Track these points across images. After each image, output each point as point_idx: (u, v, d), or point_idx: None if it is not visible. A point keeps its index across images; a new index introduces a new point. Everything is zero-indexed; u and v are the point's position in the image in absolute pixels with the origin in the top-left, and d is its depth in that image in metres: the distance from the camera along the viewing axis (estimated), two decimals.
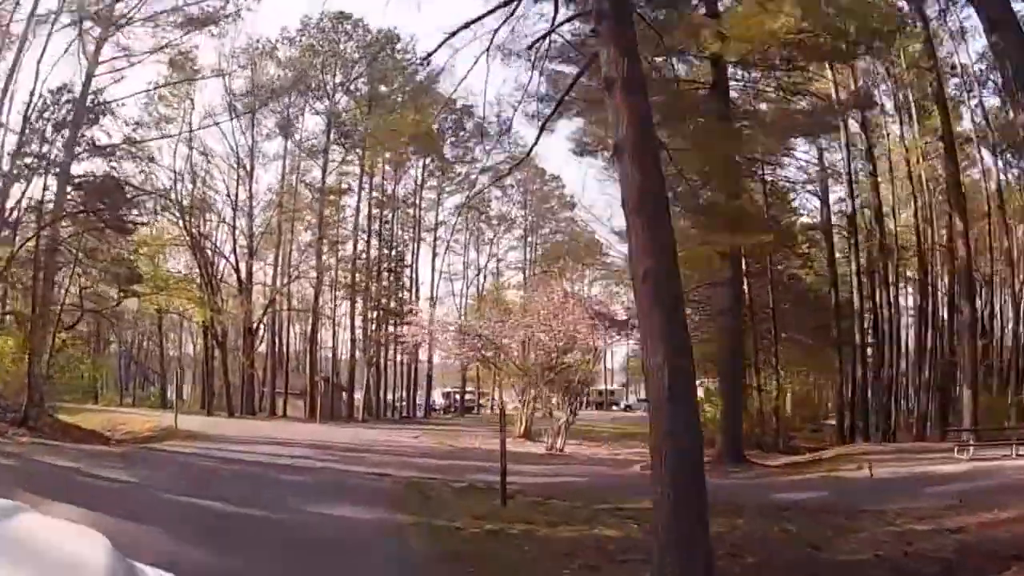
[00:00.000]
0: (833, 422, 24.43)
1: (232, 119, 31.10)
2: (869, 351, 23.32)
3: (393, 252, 39.91)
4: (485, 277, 51.52)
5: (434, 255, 44.25)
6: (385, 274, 39.75)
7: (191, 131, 32.38)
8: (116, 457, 13.98)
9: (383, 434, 24.94)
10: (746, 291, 22.05)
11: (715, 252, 17.32)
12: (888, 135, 24.61)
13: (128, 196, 23.91)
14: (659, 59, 16.53)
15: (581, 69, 10.62)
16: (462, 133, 48.64)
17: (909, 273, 24.86)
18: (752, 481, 14.90)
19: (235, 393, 38.43)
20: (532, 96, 15.37)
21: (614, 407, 67.19)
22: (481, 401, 54.71)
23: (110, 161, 24.78)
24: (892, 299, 23.85)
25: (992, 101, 22.85)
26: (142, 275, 24.65)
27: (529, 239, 53.16)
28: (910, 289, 25.43)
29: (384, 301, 39.64)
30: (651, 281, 5.87)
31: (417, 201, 42.48)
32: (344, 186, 38.03)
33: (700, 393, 30.02)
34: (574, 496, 10.57)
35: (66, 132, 22.47)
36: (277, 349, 41.59)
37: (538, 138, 12.46)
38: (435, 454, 17.67)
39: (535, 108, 15.92)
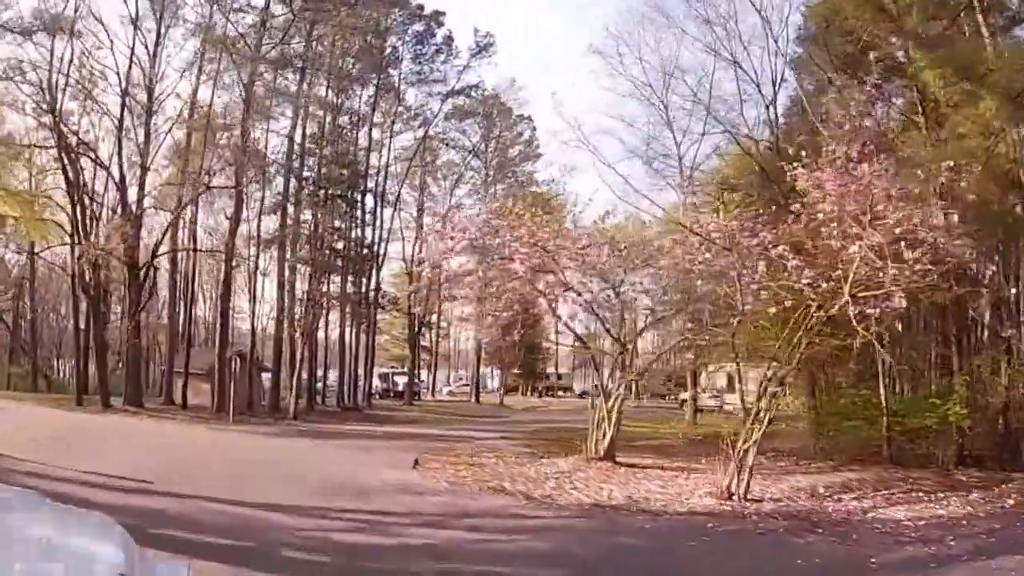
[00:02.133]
0: None
1: None
2: None
3: (344, 172, 28.79)
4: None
5: (381, 202, 34.78)
6: (336, 203, 28.76)
7: None
8: None
9: (349, 455, 14.86)
10: None
11: None
12: None
13: None
14: None
15: None
16: (425, 48, 39.59)
17: None
18: None
19: (119, 372, 28.75)
20: None
21: (562, 393, 57.22)
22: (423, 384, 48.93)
23: None
24: None
25: None
26: None
27: (491, 190, 44.66)
28: None
29: (330, 238, 28.89)
30: None
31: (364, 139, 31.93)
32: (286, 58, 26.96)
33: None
34: None
35: None
36: (182, 313, 30.21)
37: None
38: (542, 563, 7.55)
39: None
